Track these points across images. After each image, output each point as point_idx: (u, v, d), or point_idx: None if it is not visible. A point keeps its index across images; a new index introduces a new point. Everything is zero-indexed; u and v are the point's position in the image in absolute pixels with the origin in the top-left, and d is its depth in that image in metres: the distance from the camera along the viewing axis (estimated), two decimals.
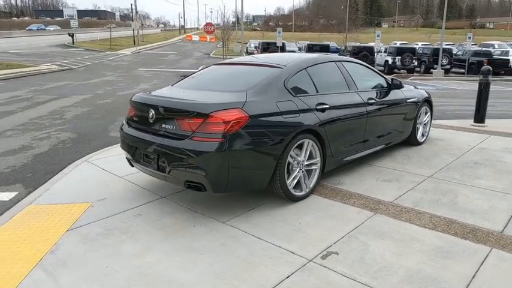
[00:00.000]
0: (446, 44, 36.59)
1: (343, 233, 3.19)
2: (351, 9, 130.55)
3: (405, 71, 23.81)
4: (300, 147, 3.76)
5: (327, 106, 3.99)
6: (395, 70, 23.80)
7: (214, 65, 4.76)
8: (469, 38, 22.41)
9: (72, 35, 37.64)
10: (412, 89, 5.74)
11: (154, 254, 2.94)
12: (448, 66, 23.53)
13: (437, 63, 23.26)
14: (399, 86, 5.17)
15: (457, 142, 6.18)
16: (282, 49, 22.48)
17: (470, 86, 17.99)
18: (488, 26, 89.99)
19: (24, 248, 3.11)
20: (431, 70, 22.66)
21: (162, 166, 3.47)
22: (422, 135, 6.04)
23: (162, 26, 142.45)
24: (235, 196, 3.96)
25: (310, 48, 24.28)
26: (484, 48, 26.00)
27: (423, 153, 5.53)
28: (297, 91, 3.85)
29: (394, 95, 5.15)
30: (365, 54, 23.56)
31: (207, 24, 24.90)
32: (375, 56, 24.22)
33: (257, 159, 3.39)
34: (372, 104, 4.63)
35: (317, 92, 4.06)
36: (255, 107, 3.40)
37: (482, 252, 2.88)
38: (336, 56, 4.84)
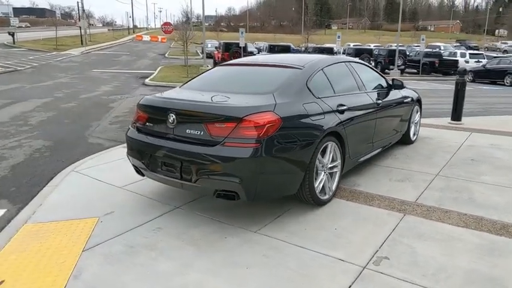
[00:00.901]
0: (395, 45, 38.60)
1: (383, 237, 3.16)
2: (301, 11, 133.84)
3: None
4: (324, 150, 3.68)
5: (346, 107, 3.96)
6: None
7: (220, 65, 4.56)
8: (423, 39, 23.76)
9: (12, 34, 34.98)
10: (406, 89, 5.90)
11: (196, 272, 2.72)
12: (403, 67, 24.76)
13: (392, 64, 24.45)
14: (401, 87, 5.28)
15: (444, 140, 6.44)
16: (245, 50, 22.42)
17: (426, 85, 19.07)
18: (429, 28, 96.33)
19: (39, 274, 2.75)
20: (387, 70, 23.71)
21: (187, 175, 3.24)
22: (414, 134, 6.23)
23: (110, 25, 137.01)
24: (252, 203, 3.79)
25: (272, 49, 24.45)
26: (434, 50, 27.71)
27: (420, 152, 5.69)
28: (318, 92, 3.77)
29: (394, 95, 5.26)
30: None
31: (166, 23, 24.14)
32: None
33: (290, 163, 3.27)
34: (379, 104, 4.68)
35: (334, 92, 4.01)
36: (285, 110, 3.27)
37: None
38: (343, 57, 4.82)
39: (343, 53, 25.43)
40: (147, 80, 16.37)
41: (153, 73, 19.50)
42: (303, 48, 26.86)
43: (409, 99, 5.74)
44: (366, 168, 4.84)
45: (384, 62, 25.16)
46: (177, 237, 3.24)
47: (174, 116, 3.31)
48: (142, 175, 3.81)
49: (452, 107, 7.97)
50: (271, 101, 3.27)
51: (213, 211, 3.70)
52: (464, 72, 7.71)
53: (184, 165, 3.24)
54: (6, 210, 3.91)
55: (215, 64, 23.79)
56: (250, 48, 26.37)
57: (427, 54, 24.57)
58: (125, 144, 6.11)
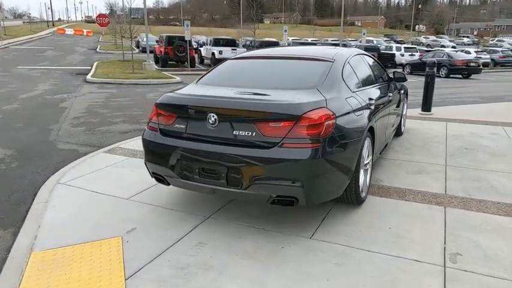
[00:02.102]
0: (332, 40, 40.23)
1: (441, 233, 3.14)
2: (233, 4, 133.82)
3: None
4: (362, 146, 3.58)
5: (373, 101, 3.89)
6: None
7: (233, 59, 4.22)
8: (364, 34, 24.93)
9: None
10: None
11: None
12: None
13: None
14: (403, 79, 5.35)
15: (427, 130, 6.73)
16: (190, 43, 21.68)
17: None
18: (357, 23, 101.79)
19: None
20: None
21: (235, 181, 2.93)
22: (403, 126, 6.42)
23: (22, 17, 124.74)
24: (282, 207, 3.55)
25: (216, 43, 23.98)
26: (373, 44, 29.25)
27: (414, 143, 5.87)
28: (351, 86, 3.65)
29: (395, 87, 5.33)
30: None
31: (101, 15, 22.39)
32: None
33: (344, 162, 3.12)
34: (390, 97, 4.70)
35: (361, 86, 3.92)
36: (334, 105, 3.10)
37: None
38: (356, 49, 4.75)
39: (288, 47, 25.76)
40: (88, 77, 15.09)
41: (90, 69, 18.07)
42: (248, 42, 26.75)
43: (403, 91, 5.87)
44: (375, 163, 4.85)
45: None
46: (228, 251, 2.92)
47: (215, 116, 2.96)
48: (167, 184, 3.39)
49: (422, 98, 8.38)
50: (320, 97, 3.07)
51: (249, 218, 3.42)
52: (434, 64, 8.14)
53: (232, 171, 2.92)
54: None
55: (156, 59, 22.72)
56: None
57: (366, 48, 25.79)
58: (107, 149, 5.62)
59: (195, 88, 3.53)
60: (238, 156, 2.87)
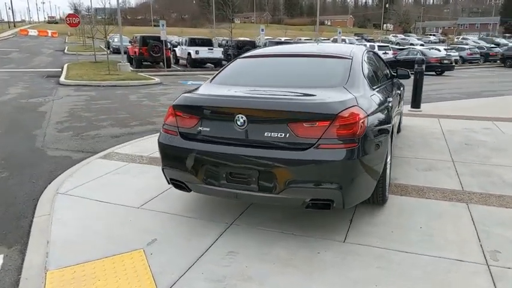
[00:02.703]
0: (306, 39, 40.62)
1: (471, 229, 3.13)
2: (203, 4, 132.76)
3: None
4: None
5: (390, 99, 3.85)
6: None
7: (244, 57, 4.05)
8: (339, 33, 25.26)
9: None
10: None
11: None
12: None
13: None
14: (406, 76, 5.35)
15: (423, 127, 6.82)
16: (166, 43, 21.21)
17: None
18: (327, 23, 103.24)
19: None
20: None
21: (268, 185, 2.79)
22: (401, 122, 6.46)
23: None
24: (302, 210, 3.44)
25: (192, 42, 23.61)
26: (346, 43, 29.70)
27: (415, 140, 5.91)
28: (371, 83, 3.59)
29: (398, 84, 5.34)
30: (248, 49, 24.01)
31: (71, 15, 21.51)
32: None
33: (376, 162, 3.04)
34: (397, 93, 4.69)
35: (377, 83, 3.87)
36: (363, 103, 3.01)
37: None
38: (363, 46, 4.69)
39: (264, 46, 25.69)
40: (62, 79, 14.45)
41: (61, 71, 17.33)
42: (224, 42, 26.49)
43: (402, 88, 5.90)
44: None
45: None
46: (262, 259, 2.78)
47: (244, 117, 2.81)
48: (187, 190, 3.21)
49: (411, 95, 8.50)
50: (350, 95, 2.98)
51: (274, 223, 3.29)
52: (422, 61, 8.27)
53: (265, 175, 2.78)
54: (3, 255, 2.96)
55: (130, 60, 22.08)
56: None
57: None
58: (102, 154, 5.32)
59: (214, 88, 3.35)
60: (271, 159, 2.74)
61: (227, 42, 25.58)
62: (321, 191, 2.75)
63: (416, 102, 8.50)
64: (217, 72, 3.87)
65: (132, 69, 19.26)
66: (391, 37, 56.29)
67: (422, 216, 3.37)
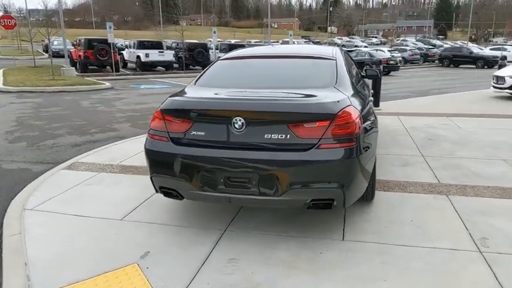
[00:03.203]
0: (255, 42, 41.04)
1: (457, 220, 3.30)
2: (146, 6, 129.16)
3: None
4: None
5: (369, 98, 3.98)
6: None
7: (225, 59, 3.97)
8: (290, 35, 25.74)
9: None
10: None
11: None
12: None
13: None
14: (376, 76, 5.54)
15: (386, 124, 7.12)
16: (113, 46, 20.34)
17: None
18: (273, 25, 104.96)
19: None
20: None
21: (269, 188, 2.75)
22: None
23: None
24: (293, 211, 3.46)
25: (141, 45, 22.88)
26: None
27: (383, 137, 6.11)
28: (355, 83, 3.68)
29: (366, 83, 5.52)
30: (200, 51, 23.84)
31: (5, 16, 19.96)
32: (210, 53, 24.81)
33: (370, 159, 3.12)
34: (370, 92, 4.86)
35: (356, 83, 3.97)
36: (355, 103, 3.07)
37: None
38: (337, 47, 4.79)
39: (217, 49, 25.52)
40: (0, 86, 13.37)
41: None
42: (174, 45, 25.95)
43: (370, 87, 6.12)
44: None
45: None
46: (265, 264, 2.74)
47: (242, 120, 2.75)
48: (179, 198, 3.08)
49: (372, 94, 8.85)
50: (343, 95, 3.03)
51: (269, 226, 3.27)
52: (380, 62, 8.67)
53: (266, 178, 2.74)
54: None
55: (74, 64, 20.94)
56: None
57: None
58: (65, 165, 4.97)
59: (203, 90, 3.25)
60: (273, 161, 2.71)
61: (177, 44, 25.12)
62: (323, 190, 2.76)
63: (376, 101, 8.86)
64: (200, 74, 3.76)
65: (77, 73, 18.27)
66: (336, 39, 58.48)
67: (409, 210, 3.50)
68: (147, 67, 22.04)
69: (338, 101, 2.84)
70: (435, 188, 3.99)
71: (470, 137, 6.12)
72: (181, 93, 3.28)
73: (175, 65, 23.51)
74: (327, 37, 63.06)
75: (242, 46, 26.08)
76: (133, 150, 5.58)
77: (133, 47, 23.24)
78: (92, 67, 20.71)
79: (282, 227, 3.25)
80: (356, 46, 44.33)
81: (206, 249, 2.95)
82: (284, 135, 2.73)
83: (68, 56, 21.75)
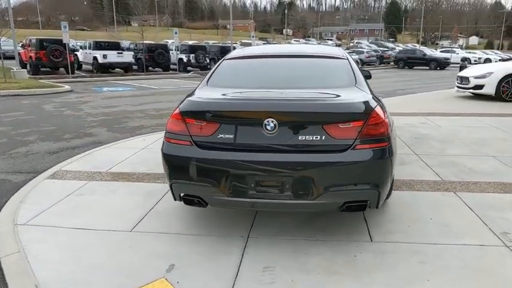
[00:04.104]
0: (213, 43, 40.75)
1: (473, 216, 3.40)
2: (96, 6, 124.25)
3: (199, 69, 24.97)
4: None
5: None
6: (190, 68, 24.60)
7: (231, 59, 3.82)
8: (253, 37, 25.79)
9: None
10: None
11: None
12: None
13: None
14: (368, 77, 5.59)
15: None
16: (68, 47, 19.24)
17: None
18: (228, 27, 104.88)
19: None
20: None
21: (304, 191, 2.67)
22: None
23: None
24: (307, 213, 3.41)
25: (98, 46, 21.88)
26: None
27: None
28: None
29: None
30: (161, 52, 23.22)
31: None
32: (171, 54, 24.27)
33: (396, 159, 3.13)
34: None
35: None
36: (379, 103, 3.08)
37: None
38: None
39: (176, 50, 25.00)
40: None
41: None
42: (133, 46, 25.07)
43: None
44: None
45: (217, 58, 26.21)
46: (303, 270, 2.66)
47: (275, 122, 2.65)
48: (203, 205, 2.92)
49: None
50: (368, 95, 3.02)
51: (292, 231, 3.18)
52: (357, 62, 8.85)
53: (300, 181, 2.66)
54: None
55: (23, 65, 19.60)
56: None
57: None
58: (48, 174, 4.58)
59: (223, 92, 3.08)
60: (309, 163, 2.63)
61: (136, 45, 24.33)
62: (359, 192, 2.73)
63: None
64: (209, 74, 3.58)
65: (29, 76, 17.15)
66: (293, 41, 59.48)
67: (425, 208, 3.56)
68: (105, 69, 21.18)
69: (368, 101, 2.83)
70: (441, 186, 4.09)
71: (452, 135, 6.40)
72: (199, 94, 3.11)
73: (135, 67, 22.79)
74: (284, 39, 63.95)
75: (203, 48, 25.85)
76: (118, 156, 5.28)
77: (90, 48, 22.22)
78: (44, 69, 19.56)
79: (306, 231, 3.18)
80: None
81: (235, 258, 2.81)
82: (319, 137, 2.66)
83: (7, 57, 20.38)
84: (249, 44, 33.04)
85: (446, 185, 4.10)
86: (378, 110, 2.80)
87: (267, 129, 2.67)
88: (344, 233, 3.15)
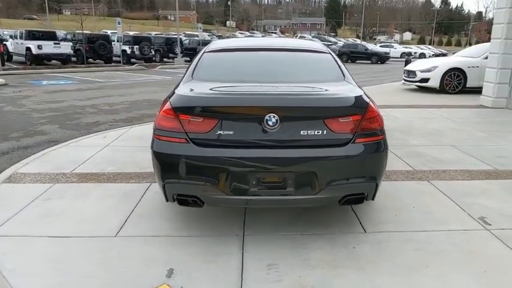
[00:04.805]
0: (156, 34, 39.44)
1: (450, 203, 3.62)
2: None
3: (143, 61, 24.06)
4: None
5: None
6: (134, 60, 23.63)
7: (212, 51, 3.68)
8: (200, 28, 25.32)
9: None
10: None
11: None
12: (182, 55, 25.71)
13: (171, 52, 25.31)
14: None
15: None
16: None
17: None
18: (170, 18, 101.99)
19: None
20: (166, 59, 24.09)
21: (306, 186, 2.67)
22: None
23: None
24: (300, 209, 3.44)
25: (32, 36, 20.20)
26: (211, 39, 30.16)
27: None
28: None
29: None
30: (102, 43, 22.05)
31: None
32: (113, 45, 23.09)
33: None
34: None
35: None
36: (370, 97, 3.15)
37: None
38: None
39: (118, 41, 23.81)
40: None
41: None
42: (70, 36, 23.41)
43: None
44: None
45: (162, 50, 25.47)
46: (308, 265, 2.66)
47: (276, 117, 2.60)
48: (199, 205, 2.81)
49: None
50: (359, 90, 3.08)
51: (286, 227, 3.18)
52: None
53: (303, 176, 2.65)
54: None
55: None
56: None
57: (202, 43, 26.31)
58: (3, 177, 4.17)
59: (214, 85, 2.97)
60: (312, 158, 2.63)
61: (74, 36, 22.83)
62: (358, 185, 2.78)
63: None
64: (191, 68, 3.42)
65: None
66: (238, 34, 59.37)
67: (405, 197, 3.73)
68: (40, 61, 19.69)
69: (362, 95, 2.90)
70: (414, 175, 4.31)
71: (409, 126, 6.76)
72: (189, 88, 2.96)
73: (74, 59, 21.44)
74: (229, 31, 63.60)
75: (148, 39, 24.90)
76: (80, 155, 4.93)
77: (21, 38, 20.48)
78: None
79: (300, 226, 3.18)
80: None
81: (235, 258, 2.74)
82: (321, 131, 2.66)
83: None
84: (195, 36, 32.51)
85: (419, 174, 4.33)
86: (373, 104, 2.87)
87: (268, 125, 2.62)
88: (337, 225, 3.20)
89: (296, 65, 3.52)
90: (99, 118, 7.61)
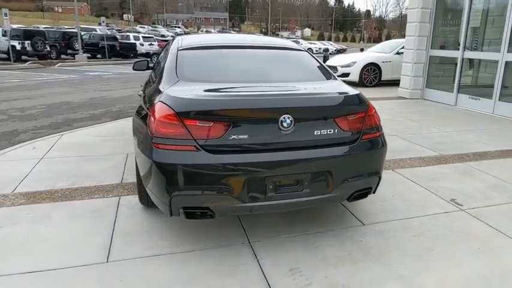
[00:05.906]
0: (45, 27, 35.85)
1: (420, 188, 3.96)
2: None
3: (37, 58, 21.71)
4: None
5: None
6: (26, 57, 21.17)
7: (185, 49, 3.43)
8: (103, 22, 23.62)
9: None
10: None
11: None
12: (83, 51, 23.79)
13: (70, 48, 23.33)
14: None
15: None
16: None
17: (123, 68, 19.42)
18: (57, 9, 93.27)
19: None
20: (64, 56, 22.14)
21: (321, 186, 2.70)
22: None
23: None
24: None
25: None
26: (114, 34, 28.38)
27: None
28: None
29: None
30: None
31: None
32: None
33: None
34: None
35: None
36: None
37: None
38: None
39: (3, 36, 21.06)
40: None
41: None
42: None
43: None
44: None
45: (59, 45, 23.27)
46: (329, 264, 2.70)
47: (291, 118, 2.57)
48: (209, 217, 2.64)
49: None
50: (354, 88, 3.19)
51: (289, 227, 3.17)
52: (327, 50, 9.06)
53: (318, 176, 2.67)
54: None
55: None
56: None
57: (105, 38, 24.63)
58: None
59: (211, 86, 2.79)
60: (328, 157, 2.66)
61: None
62: (366, 180, 2.88)
63: None
64: (169, 67, 3.14)
65: None
66: (138, 28, 56.78)
67: (380, 187, 3.92)
68: None
69: (361, 93, 3.00)
70: (399, 164, 4.63)
71: None
72: (186, 90, 2.73)
73: None
74: (131, 25, 60.41)
75: (41, 33, 22.44)
76: (14, 171, 4.31)
77: None
78: None
79: (300, 227, 3.19)
80: (162, 35, 44.25)
81: (253, 267, 2.65)
82: (332, 130, 2.70)
83: None
84: (93, 30, 30.36)
85: (392, 165, 4.64)
86: (369, 101, 3.00)
87: (283, 126, 2.57)
88: (334, 221, 3.28)
89: (281, 63, 3.52)
90: (15, 126, 6.67)
